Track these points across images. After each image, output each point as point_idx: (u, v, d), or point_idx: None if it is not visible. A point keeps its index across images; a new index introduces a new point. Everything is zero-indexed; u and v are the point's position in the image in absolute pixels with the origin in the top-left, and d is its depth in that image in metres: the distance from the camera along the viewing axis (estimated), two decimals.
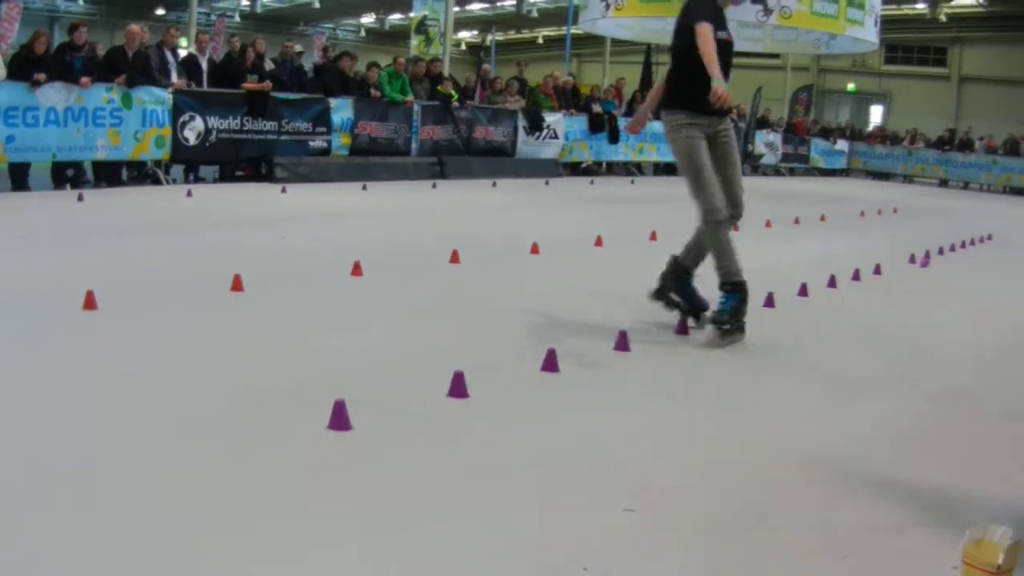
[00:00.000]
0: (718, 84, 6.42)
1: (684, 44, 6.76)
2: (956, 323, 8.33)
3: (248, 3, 46.36)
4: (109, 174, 14.74)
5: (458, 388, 5.03)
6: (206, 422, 4.44)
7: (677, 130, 6.85)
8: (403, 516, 3.56)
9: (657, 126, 24.50)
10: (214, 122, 15.44)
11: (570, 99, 23.40)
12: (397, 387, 5.19)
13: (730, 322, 6.81)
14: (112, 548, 3.17)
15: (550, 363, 5.66)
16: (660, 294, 7.11)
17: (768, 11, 22.48)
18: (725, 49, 6.83)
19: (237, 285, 7.30)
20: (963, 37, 45.06)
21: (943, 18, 43.36)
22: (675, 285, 7.10)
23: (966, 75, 45.64)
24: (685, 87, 6.82)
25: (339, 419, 4.41)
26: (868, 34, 24.09)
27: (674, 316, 7.06)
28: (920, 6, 42.45)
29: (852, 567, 3.43)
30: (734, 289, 6.83)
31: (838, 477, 4.31)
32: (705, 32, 6.56)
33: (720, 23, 6.86)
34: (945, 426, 5.29)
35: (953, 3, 42.86)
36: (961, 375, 6.51)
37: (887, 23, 29.70)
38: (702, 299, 7.13)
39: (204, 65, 16.01)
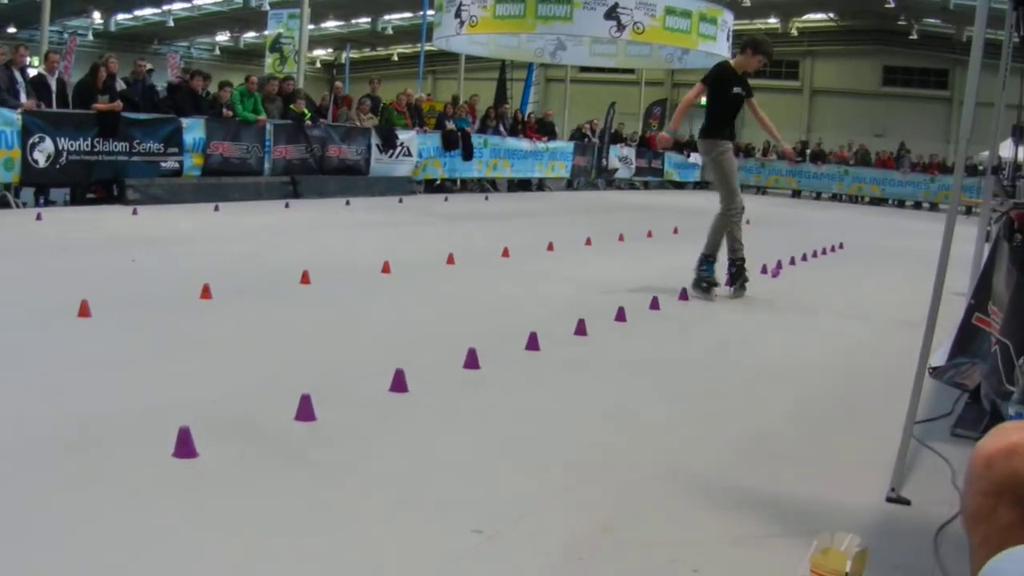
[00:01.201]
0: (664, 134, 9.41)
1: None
2: (804, 333, 8.55)
3: (101, 21, 45.54)
4: None
5: (306, 411, 4.99)
6: (48, 451, 4.32)
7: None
8: (249, 542, 3.53)
9: (512, 142, 24.72)
10: (64, 144, 15.00)
11: (425, 115, 23.48)
12: (244, 411, 5.13)
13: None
14: None
15: (399, 383, 5.65)
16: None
17: (621, 27, 22.85)
18: (736, 100, 9.85)
19: (84, 310, 7.13)
20: (814, 51, 46.25)
21: (795, 32, 44.46)
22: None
23: (817, 88, 46.85)
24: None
25: (184, 446, 4.34)
26: (721, 48, 24.64)
27: (522, 332, 7.09)
28: (772, 20, 43.46)
29: None
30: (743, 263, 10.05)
31: (691, 490, 4.39)
32: (695, 90, 9.89)
33: (736, 82, 9.73)
34: (793, 436, 5.43)
35: (804, 17, 43.92)
36: (807, 384, 6.69)
37: (740, 37, 30.30)
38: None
39: (53, 85, 15.64)
